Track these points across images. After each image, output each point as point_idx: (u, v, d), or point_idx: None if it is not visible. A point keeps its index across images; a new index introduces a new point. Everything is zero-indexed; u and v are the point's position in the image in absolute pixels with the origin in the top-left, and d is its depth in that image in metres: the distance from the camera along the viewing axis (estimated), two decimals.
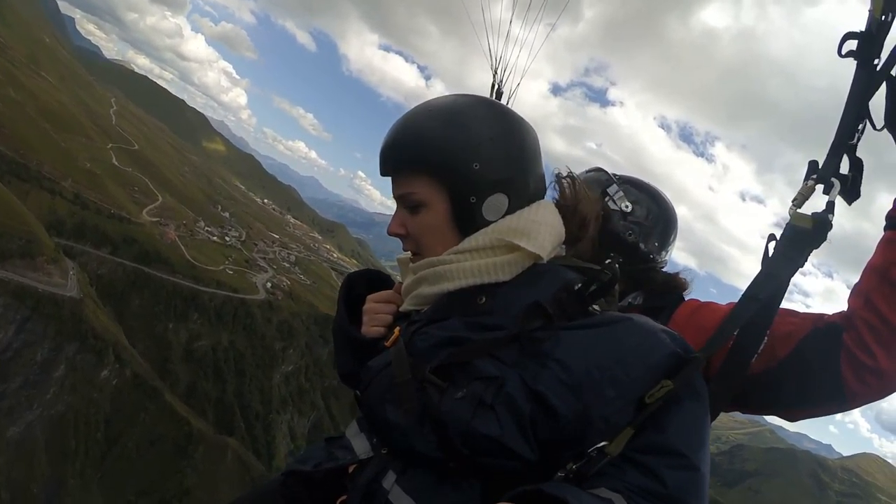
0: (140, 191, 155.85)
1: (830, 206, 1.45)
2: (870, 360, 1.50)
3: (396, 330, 1.49)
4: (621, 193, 2.17)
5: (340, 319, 1.75)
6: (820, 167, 1.49)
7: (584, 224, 1.56)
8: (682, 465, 1.08)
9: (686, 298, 2.11)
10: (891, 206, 1.55)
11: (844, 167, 1.49)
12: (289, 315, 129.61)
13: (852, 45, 1.44)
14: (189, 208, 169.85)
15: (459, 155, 1.40)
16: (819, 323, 1.62)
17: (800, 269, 1.47)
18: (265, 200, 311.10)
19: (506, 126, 1.46)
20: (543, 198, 1.56)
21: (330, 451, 1.47)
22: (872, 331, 1.49)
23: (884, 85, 1.44)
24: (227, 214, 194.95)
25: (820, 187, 1.48)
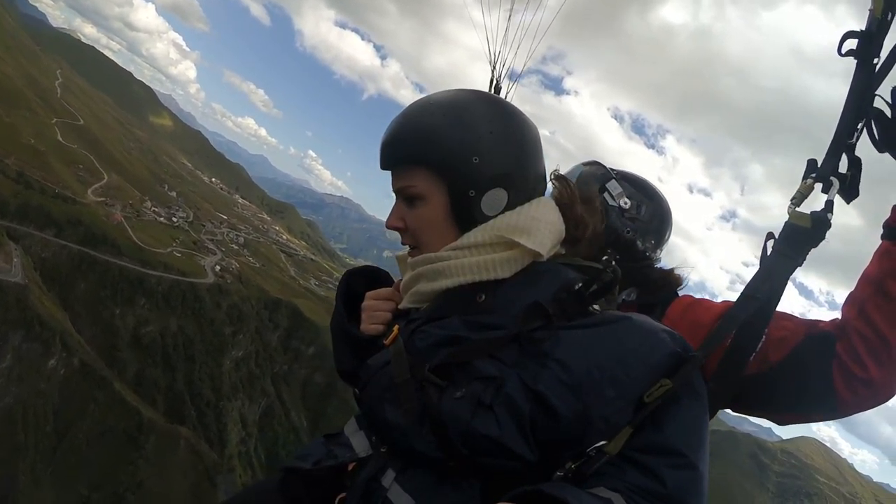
0: (85, 169, 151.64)
1: (829, 204, 1.45)
2: (861, 372, 1.51)
3: (395, 328, 1.47)
4: (620, 189, 2.17)
5: (339, 316, 1.73)
6: (819, 166, 1.50)
7: (582, 226, 1.55)
8: (682, 465, 1.09)
9: (679, 294, 2.13)
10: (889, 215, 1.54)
11: (841, 166, 1.49)
12: (238, 299, 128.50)
13: (852, 44, 1.45)
14: (135, 188, 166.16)
15: (458, 148, 1.39)
16: (813, 330, 1.63)
17: (798, 268, 1.48)
18: (213, 179, 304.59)
19: (506, 121, 1.45)
20: (544, 195, 1.55)
21: (329, 448, 1.46)
22: (865, 342, 1.50)
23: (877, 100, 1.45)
24: (174, 194, 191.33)
25: (819, 186, 1.49)
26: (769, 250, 1.52)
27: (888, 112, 1.45)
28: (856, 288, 1.59)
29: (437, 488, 1.20)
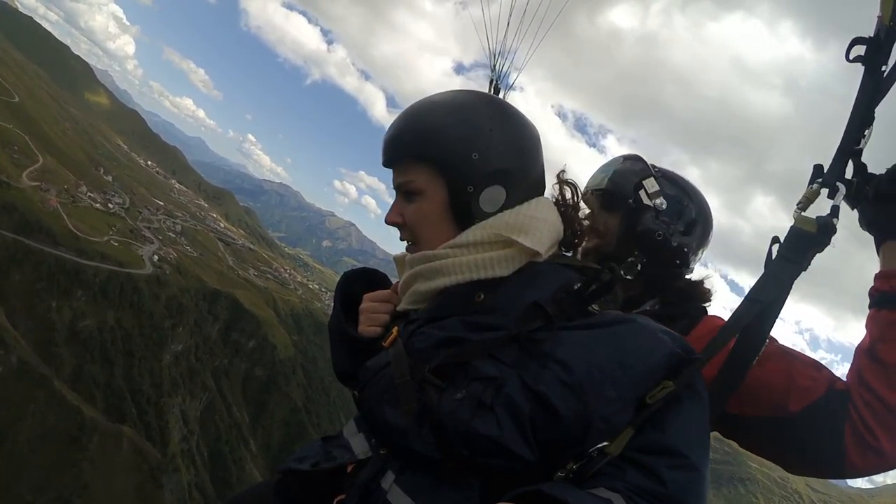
0: (20, 150, 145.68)
1: (835, 210, 1.48)
2: (872, 440, 1.51)
3: (394, 330, 1.48)
4: (657, 188, 2.07)
5: (336, 318, 1.74)
6: (825, 171, 1.53)
7: (580, 233, 1.58)
8: (682, 466, 1.10)
9: (709, 311, 2.06)
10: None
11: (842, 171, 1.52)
12: (177, 290, 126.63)
13: (860, 50, 1.47)
14: (71, 171, 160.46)
15: (458, 144, 1.42)
16: (834, 386, 1.61)
17: (802, 272, 1.49)
18: (149, 162, 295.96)
19: (506, 120, 1.48)
20: (543, 194, 1.57)
21: (327, 450, 1.46)
22: (871, 410, 1.51)
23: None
24: (110, 178, 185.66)
25: (825, 191, 1.52)
26: (774, 254, 1.53)
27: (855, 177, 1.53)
28: (853, 358, 1.61)
29: (436, 489, 1.20)
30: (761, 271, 1.53)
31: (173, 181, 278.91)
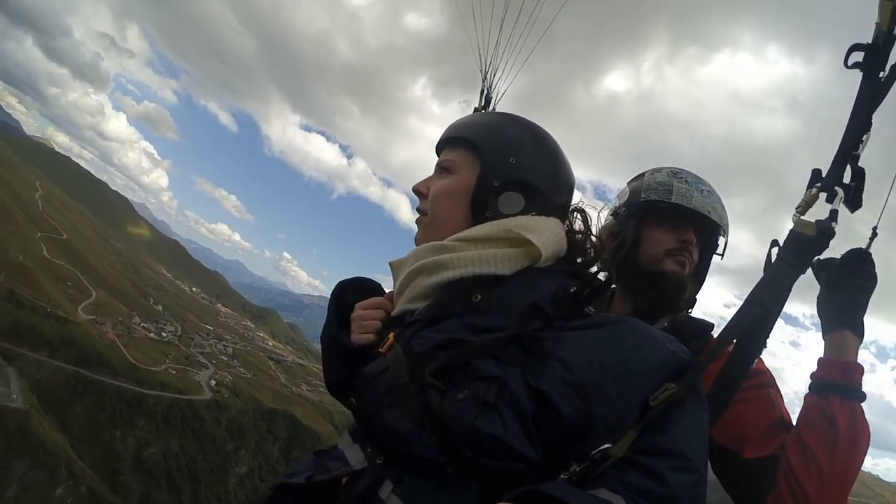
0: (73, 286, 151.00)
1: (834, 214, 1.52)
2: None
3: (391, 336, 1.46)
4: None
5: (329, 327, 1.72)
6: (823, 176, 1.56)
7: (586, 259, 1.53)
8: (685, 468, 1.09)
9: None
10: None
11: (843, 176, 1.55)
12: (236, 413, 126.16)
13: (858, 56, 1.52)
14: (122, 303, 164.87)
15: (503, 142, 1.49)
16: (780, 451, 1.63)
17: (801, 275, 1.53)
18: (194, 289, 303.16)
19: (549, 147, 1.55)
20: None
21: (321, 463, 1.41)
22: (790, 488, 1.56)
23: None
24: (160, 307, 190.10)
25: (823, 196, 1.55)
26: (773, 258, 1.57)
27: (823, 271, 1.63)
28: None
29: (435, 496, 1.18)
30: (807, 296, 1.58)
31: (218, 305, 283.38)
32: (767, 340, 1.61)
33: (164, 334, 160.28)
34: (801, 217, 1.55)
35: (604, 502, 1.03)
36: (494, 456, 1.14)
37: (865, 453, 1.57)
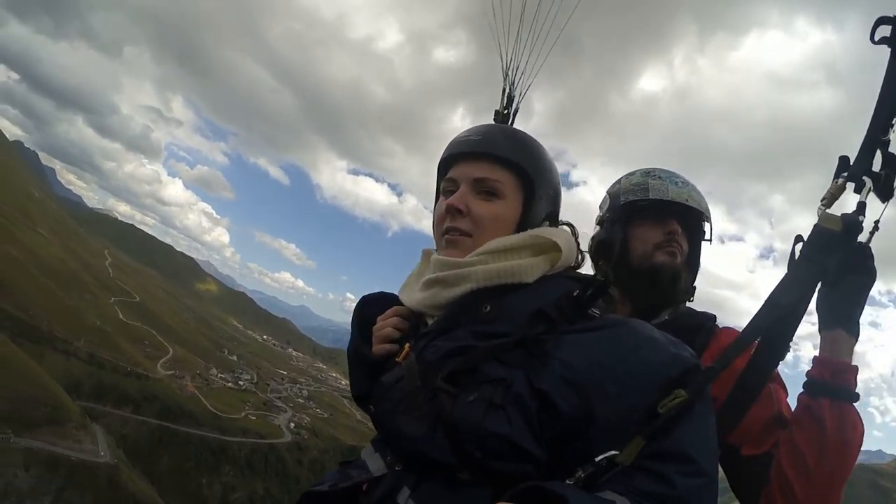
0: (150, 344, 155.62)
1: (861, 206, 1.39)
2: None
3: (407, 346, 1.49)
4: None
5: (353, 341, 1.78)
6: (851, 164, 1.43)
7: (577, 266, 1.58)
8: (694, 472, 1.09)
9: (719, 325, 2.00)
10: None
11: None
12: (318, 453, 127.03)
13: (886, 31, 1.38)
14: (199, 356, 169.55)
15: (549, 176, 1.55)
16: (774, 449, 1.62)
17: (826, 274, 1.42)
18: (264, 337, 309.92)
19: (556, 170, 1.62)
20: None
21: (345, 471, 1.47)
22: (782, 491, 1.56)
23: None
24: (234, 357, 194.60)
25: (851, 186, 1.42)
26: (797, 254, 1.45)
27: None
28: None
29: (451, 500, 1.21)
30: (883, 272, 1.48)
31: (290, 350, 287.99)
32: (791, 344, 1.51)
33: (241, 382, 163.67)
34: (827, 210, 1.43)
35: (606, 502, 1.04)
36: (501, 456, 1.17)
37: (856, 455, 1.55)
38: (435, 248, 1.62)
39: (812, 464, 1.52)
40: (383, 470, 1.36)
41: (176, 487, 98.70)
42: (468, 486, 1.20)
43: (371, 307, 1.79)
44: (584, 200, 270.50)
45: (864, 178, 1.40)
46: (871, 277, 1.48)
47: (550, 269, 1.46)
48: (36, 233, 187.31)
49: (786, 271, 1.48)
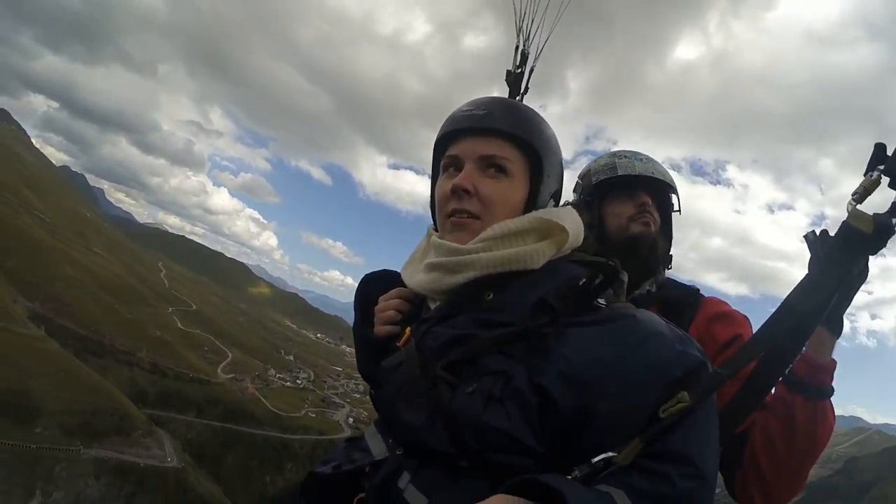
0: (210, 350, 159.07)
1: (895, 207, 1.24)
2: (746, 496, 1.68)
3: (408, 330, 1.46)
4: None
5: (355, 321, 1.78)
6: (888, 154, 1.27)
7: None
8: (692, 474, 1.07)
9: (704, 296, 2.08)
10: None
11: None
12: None
13: None
14: (257, 358, 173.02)
15: (557, 156, 1.52)
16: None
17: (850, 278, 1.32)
18: (318, 335, 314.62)
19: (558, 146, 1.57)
20: None
21: (349, 453, 1.46)
22: (757, 483, 1.65)
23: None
24: (291, 357, 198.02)
25: (886, 180, 1.26)
26: (820, 251, 1.34)
27: None
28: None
29: (450, 488, 1.19)
30: None
31: (343, 346, 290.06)
32: (802, 350, 1.48)
33: (298, 381, 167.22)
34: (857, 207, 1.28)
35: (602, 493, 1.03)
36: (500, 449, 1.15)
37: (823, 445, 1.59)
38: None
39: (782, 454, 1.57)
40: (385, 453, 1.33)
41: (242, 486, 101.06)
42: (468, 476, 1.18)
43: (374, 285, 1.76)
44: None
45: None
46: (865, 279, 1.40)
47: (557, 253, 1.41)
48: (92, 252, 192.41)
49: (806, 271, 1.37)
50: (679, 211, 2.22)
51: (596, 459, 1.10)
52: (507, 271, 1.36)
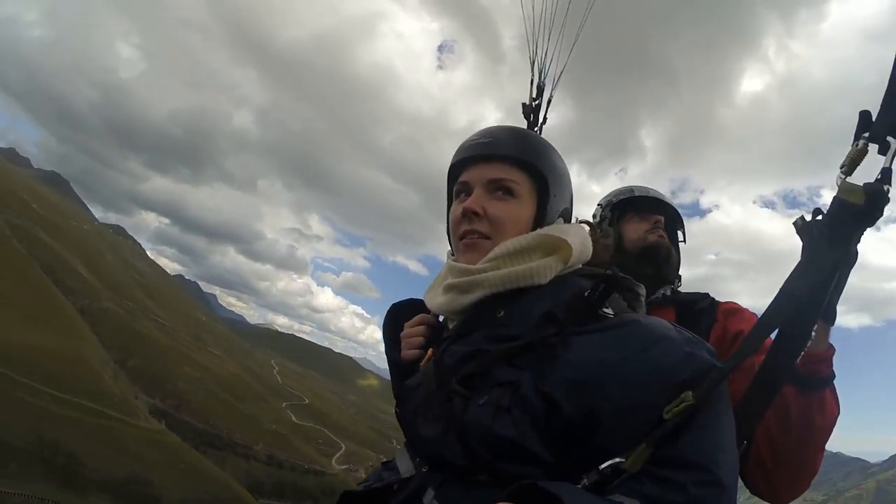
0: (323, 442, 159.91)
1: (886, 173, 1.13)
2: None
3: (430, 351, 1.54)
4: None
5: (386, 348, 1.86)
6: (874, 121, 1.17)
7: (604, 254, 1.63)
8: (707, 481, 1.03)
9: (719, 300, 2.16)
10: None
11: None
12: None
13: None
14: (369, 448, 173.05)
15: (564, 182, 1.58)
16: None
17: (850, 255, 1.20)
18: None
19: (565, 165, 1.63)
20: None
21: (381, 473, 1.52)
22: (762, 473, 1.65)
23: None
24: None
25: (874, 148, 1.16)
26: (815, 232, 1.22)
27: None
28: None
29: (469, 501, 1.19)
30: None
31: None
32: (809, 339, 1.33)
33: None
34: (847, 179, 1.17)
35: (610, 502, 1.01)
36: (510, 459, 1.15)
37: (824, 437, 1.56)
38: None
39: (780, 443, 1.58)
40: (412, 471, 1.38)
41: None
42: (486, 488, 1.17)
43: (401, 313, 1.87)
44: (721, 224, 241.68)
45: (889, 138, 1.14)
46: (854, 262, 1.23)
47: (564, 268, 1.46)
48: (208, 352, 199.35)
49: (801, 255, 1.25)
50: (685, 241, 2.48)
51: (603, 466, 1.07)
52: (516, 287, 1.40)
